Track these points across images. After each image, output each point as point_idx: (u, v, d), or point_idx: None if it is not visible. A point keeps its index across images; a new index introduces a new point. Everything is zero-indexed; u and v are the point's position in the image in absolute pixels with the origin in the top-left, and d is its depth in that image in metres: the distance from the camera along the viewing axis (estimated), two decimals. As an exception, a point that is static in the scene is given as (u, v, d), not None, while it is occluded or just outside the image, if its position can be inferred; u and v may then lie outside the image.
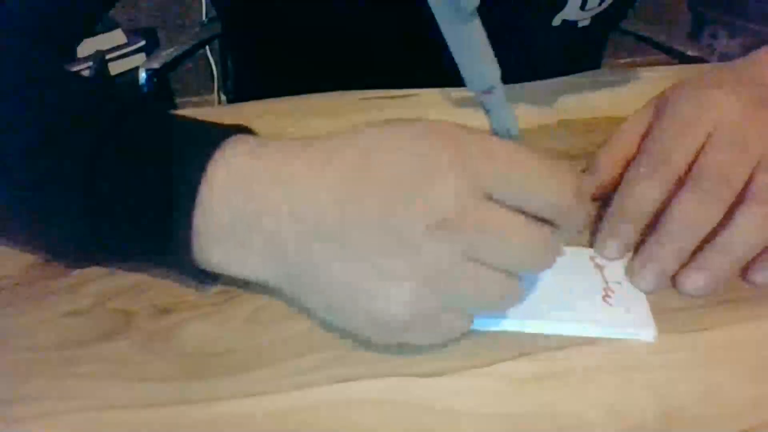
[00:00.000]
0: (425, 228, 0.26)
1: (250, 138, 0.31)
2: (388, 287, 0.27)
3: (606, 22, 0.59)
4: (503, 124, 0.29)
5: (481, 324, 0.31)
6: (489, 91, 0.28)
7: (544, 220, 0.28)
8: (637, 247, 0.35)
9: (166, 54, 0.93)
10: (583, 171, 0.40)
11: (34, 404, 0.28)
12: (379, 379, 0.29)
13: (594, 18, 0.55)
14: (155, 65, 0.91)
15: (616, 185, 0.38)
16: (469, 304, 0.29)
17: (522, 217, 0.27)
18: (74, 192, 0.31)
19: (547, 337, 0.31)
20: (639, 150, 0.37)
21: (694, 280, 0.32)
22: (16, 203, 0.33)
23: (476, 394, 0.28)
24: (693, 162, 0.34)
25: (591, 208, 0.30)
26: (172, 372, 0.29)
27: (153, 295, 0.33)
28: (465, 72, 0.27)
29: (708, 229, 0.32)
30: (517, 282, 0.29)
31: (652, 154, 0.35)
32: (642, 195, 0.34)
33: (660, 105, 0.39)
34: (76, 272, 0.35)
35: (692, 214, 0.32)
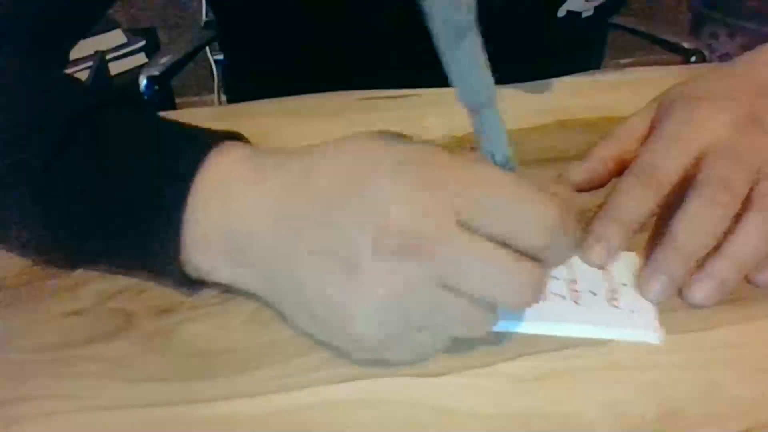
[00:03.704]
0: (387, 248, 0.26)
1: (239, 146, 0.31)
2: (356, 306, 0.26)
3: (607, 11, 0.60)
4: (489, 147, 0.28)
5: None
6: (477, 110, 0.27)
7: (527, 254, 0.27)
8: (646, 257, 0.34)
9: (166, 60, 0.93)
10: (559, 176, 0.40)
11: (34, 404, 0.28)
12: (378, 379, 0.29)
13: (596, 8, 0.56)
14: (155, 72, 0.91)
15: (603, 180, 0.38)
16: (440, 330, 0.28)
17: (502, 249, 0.26)
18: (36, 194, 0.31)
19: (547, 337, 0.31)
20: (632, 161, 0.37)
21: (702, 288, 0.32)
22: None
23: (476, 394, 0.28)
24: (683, 177, 0.34)
25: (578, 235, 0.30)
26: (172, 372, 0.29)
27: (153, 295, 0.33)
28: (456, 85, 0.26)
29: (715, 235, 0.32)
30: (494, 314, 0.28)
31: (641, 167, 0.35)
32: (627, 206, 0.34)
33: (658, 111, 0.38)
34: (76, 272, 0.35)
35: (697, 222, 0.32)
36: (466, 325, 0.28)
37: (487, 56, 0.26)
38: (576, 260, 0.35)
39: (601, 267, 0.34)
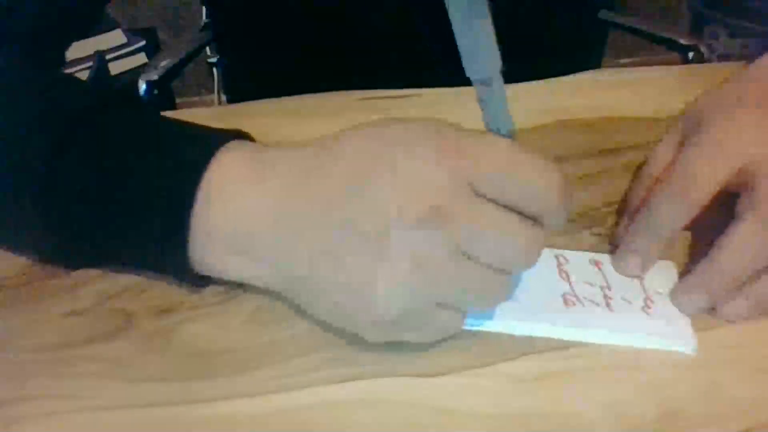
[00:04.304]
0: (410, 220, 0.26)
1: (246, 145, 0.31)
2: (381, 282, 0.27)
3: None
4: (495, 120, 0.29)
5: (522, 329, 0.31)
6: (486, 82, 0.28)
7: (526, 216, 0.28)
8: (684, 267, 0.34)
9: (166, 63, 0.92)
10: (622, 202, 0.39)
11: (34, 404, 0.28)
12: (378, 379, 0.29)
13: None
14: (154, 76, 0.90)
15: None
16: (460, 300, 0.29)
17: (514, 215, 0.27)
18: (40, 194, 0.31)
19: (547, 337, 0.31)
20: (670, 167, 0.35)
21: (737, 306, 0.32)
22: None
23: (476, 394, 0.28)
24: (723, 187, 0.32)
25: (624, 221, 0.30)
26: (172, 372, 0.29)
27: (153, 295, 0.33)
28: (465, 59, 0.27)
29: (762, 263, 0.31)
30: (508, 279, 0.29)
31: (681, 174, 0.33)
32: (666, 216, 0.33)
33: (689, 121, 0.36)
34: (76, 272, 0.34)
35: (747, 247, 0.31)
36: (483, 293, 0.28)
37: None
38: (610, 268, 0.34)
39: (636, 276, 0.34)
